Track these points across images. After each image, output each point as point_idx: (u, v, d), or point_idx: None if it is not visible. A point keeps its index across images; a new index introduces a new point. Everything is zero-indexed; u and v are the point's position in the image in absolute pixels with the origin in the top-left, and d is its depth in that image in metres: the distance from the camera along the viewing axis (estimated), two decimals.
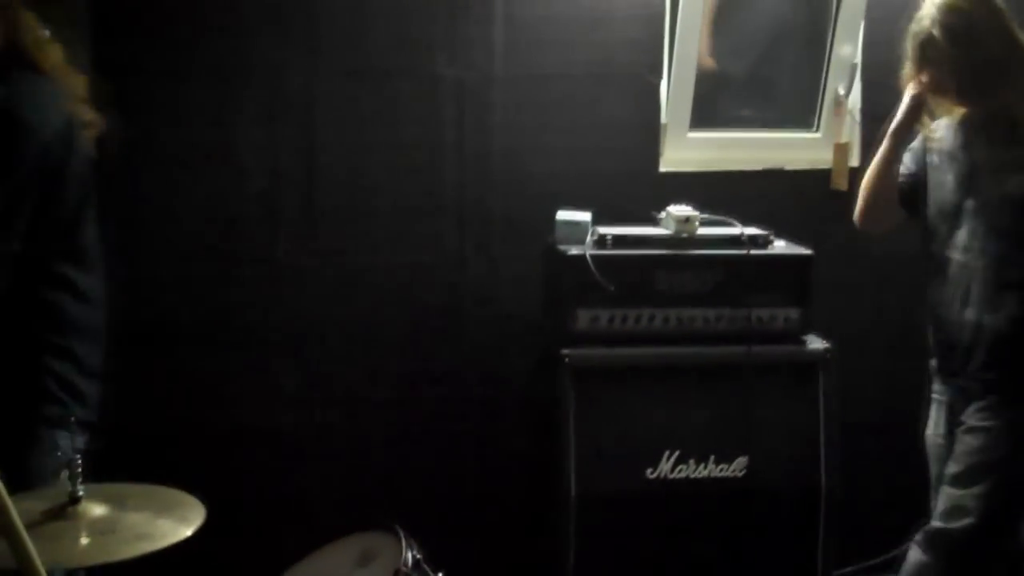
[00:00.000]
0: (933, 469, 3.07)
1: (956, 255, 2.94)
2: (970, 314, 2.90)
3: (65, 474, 2.11)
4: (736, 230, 3.45)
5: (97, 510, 2.10)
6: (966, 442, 2.91)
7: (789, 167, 3.93)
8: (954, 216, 2.95)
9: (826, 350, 3.39)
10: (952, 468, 2.92)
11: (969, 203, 2.92)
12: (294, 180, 3.63)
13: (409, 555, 1.81)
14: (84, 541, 2.01)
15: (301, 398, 3.62)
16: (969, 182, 2.93)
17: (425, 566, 1.80)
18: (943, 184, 2.99)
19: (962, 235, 2.92)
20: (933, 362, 3.08)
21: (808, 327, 3.45)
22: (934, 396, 3.08)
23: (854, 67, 3.93)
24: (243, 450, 3.46)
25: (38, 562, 1.59)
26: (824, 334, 3.45)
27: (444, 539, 2.50)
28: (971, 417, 2.91)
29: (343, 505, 3.40)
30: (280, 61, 3.56)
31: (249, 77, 3.54)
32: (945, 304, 2.97)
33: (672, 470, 3.34)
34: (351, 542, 2.09)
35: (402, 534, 1.90)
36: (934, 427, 3.08)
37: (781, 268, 3.44)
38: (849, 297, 3.85)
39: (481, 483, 3.77)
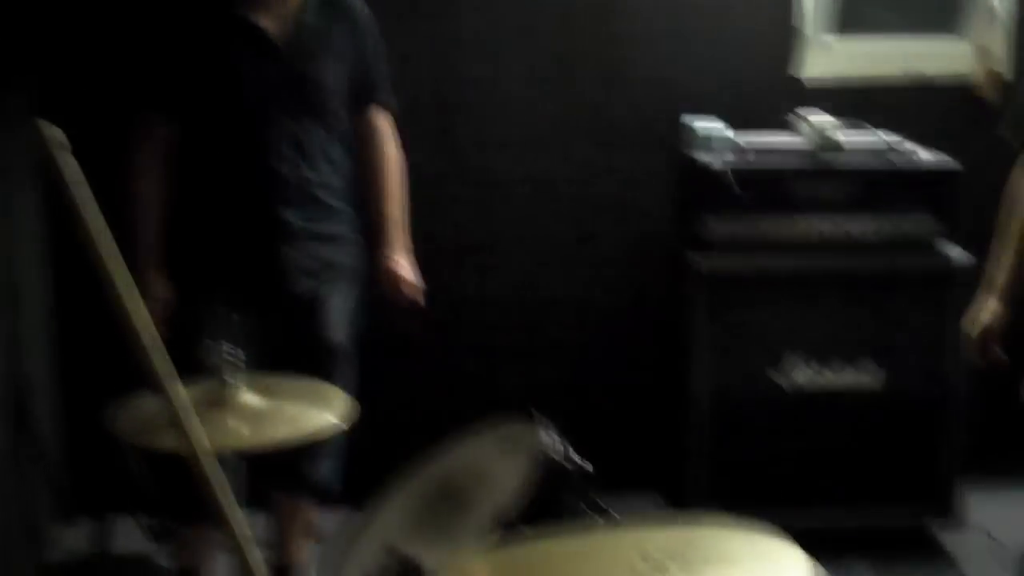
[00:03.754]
0: None
1: None
2: None
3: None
4: (878, 140, 3.38)
5: (251, 399, 2.21)
6: None
7: (932, 73, 3.80)
8: None
9: (963, 259, 3.33)
10: None
11: None
12: (429, 93, 3.65)
13: (554, 441, 1.86)
14: (242, 428, 2.13)
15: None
16: None
17: (570, 452, 1.85)
18: None
19: None
20: None
21: (949, 239, 3.38)
22: None
23: None
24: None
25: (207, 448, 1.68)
26: (965, 247, 3.37)
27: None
28: None
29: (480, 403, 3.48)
30: None
31: None
32: None
33: (801, 375, 3.35)
34: (491, 433, 2.16)
35: (541, 421, 1.95)
36: None
37: (924, 180, 3.37)
38: (992, 210, 3.74)
39: (612, 389, 3.80)
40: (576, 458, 1.85)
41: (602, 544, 1.15)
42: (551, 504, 1.52)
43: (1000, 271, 2.67)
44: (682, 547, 1.08)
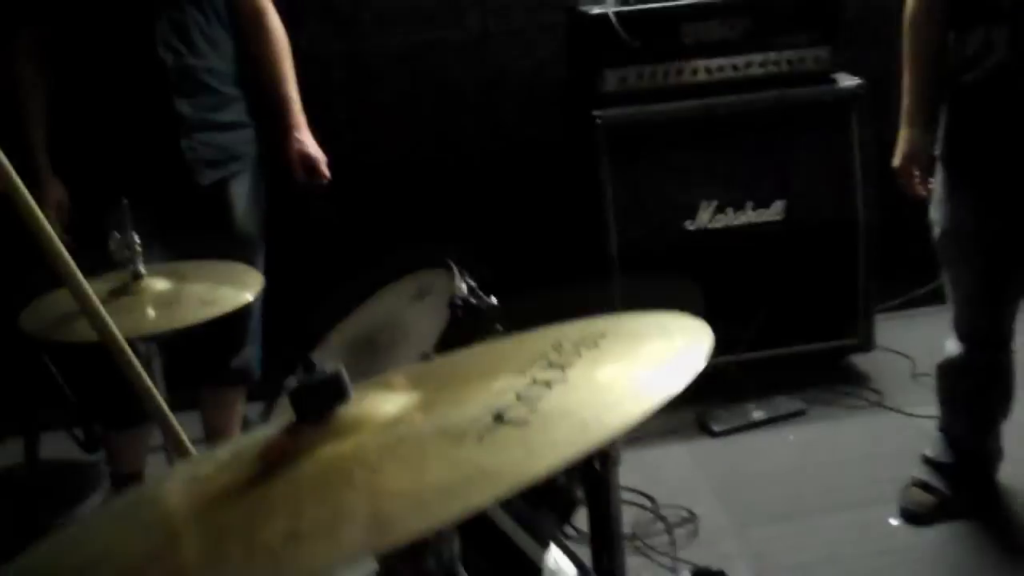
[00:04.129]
0: None
1: None
2: None
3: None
4: None
5: (159, 285, 2.19)
6: None
7: None
8: None
9: (858, 86, 3.38)
10: None
11: None
12: None
13: (463, 284, 1.88)
14: (151, 312, 2.11)
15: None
16: None
17: (479, 291, 1.87)
18: None
19: None
20: None
21: (839, 67, 3.43)
22: None
23: None
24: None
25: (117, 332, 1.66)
26: (855, 72, 3.42)
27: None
28: None
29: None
30: None
31: None
32: None
33: (711, 219, 3.40)
34: (405, 282, 2.17)
35: (455, 267, 1.97)
36: None
37: (809, 7, 3.39)
38: (879, 33, 3.79)
39: (523, 245, 3.80)
40: (484, 296, 1.87)
41: (518, 344, 1.17)
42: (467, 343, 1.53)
43: (908, 97, 2.71)
44: (595, 336, 1.10)
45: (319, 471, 0.95)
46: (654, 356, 1.07)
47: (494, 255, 3.64)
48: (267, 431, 1.06)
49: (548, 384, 1.00)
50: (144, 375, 1.71)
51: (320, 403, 1.02)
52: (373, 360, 1.94)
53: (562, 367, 1.03)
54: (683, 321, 1.13)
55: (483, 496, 0.85)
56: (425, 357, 1.71)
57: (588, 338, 1.10)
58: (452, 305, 1.83)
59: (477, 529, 1.41)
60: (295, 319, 2.98)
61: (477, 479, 0.87)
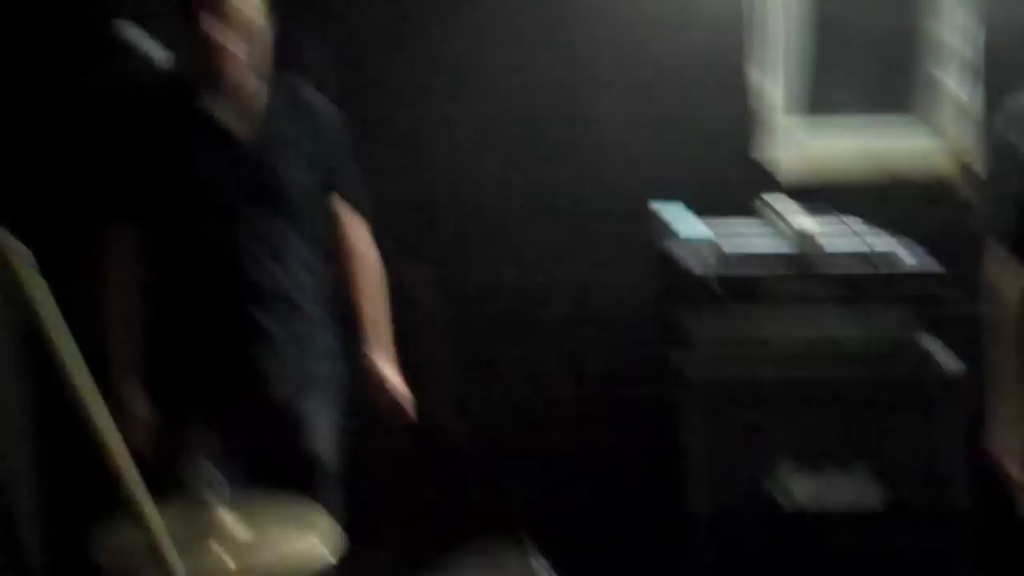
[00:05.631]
0: None
1: None
2: None
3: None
4: (861, 243, 3.36)
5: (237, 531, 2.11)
6: None
7: (896, 156, 3.81)
8: None
9: (957, 370, 3.30)
10: None
11: None
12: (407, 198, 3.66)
13: (537, 564, 1.80)
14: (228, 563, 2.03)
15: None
16: None
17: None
18: None
19: None
20: None
21: (938, 346, 3.36)
22: None
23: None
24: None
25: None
26: (956, 353, 3.33)
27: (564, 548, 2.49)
28: None
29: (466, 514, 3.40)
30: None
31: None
32: None
33: (795, 489, 3.28)
34: (476, 555, 2.09)
35: (527, 544, 1.89)
36: None
37: (910, 286, 3.34)
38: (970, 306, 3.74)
39: (595, 492, 3.75)
40: None
41: None
42: None
43: (1011, 380, 2.59)
44: None
45: None
46: None
47: (564, 513, 3.61)
48: None
49: None
50: None
51: None
52: None
53: None
54: None
55: None
56: None
57: None
58: None
59: None
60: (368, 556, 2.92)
61: None
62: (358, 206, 3.00)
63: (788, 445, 3.30)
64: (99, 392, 1.55)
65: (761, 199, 3.51)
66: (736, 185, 3.65)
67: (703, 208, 3.49)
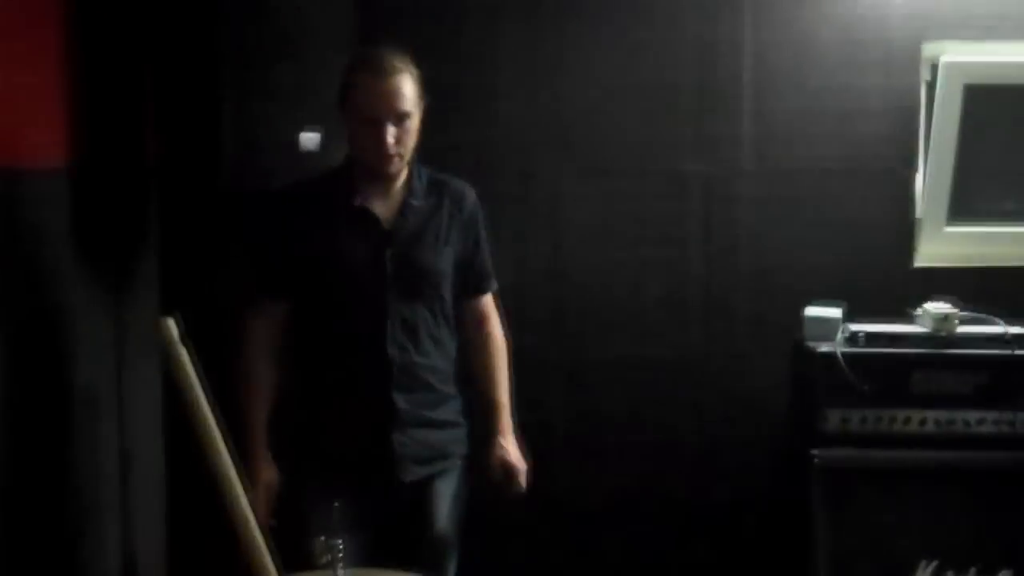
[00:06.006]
0: None
1: None
2: None
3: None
4: (999, 328, 3.29)
5: None
6: None
7: None
8: None
9: None
10: None
11: None
12: (541, 274, 3.71)
13: None
14: None
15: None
16: None
17: None
18: None
19: None
20: None
21: None
22: None
23: None
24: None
25: None
26: None
27: None
28: None
29: None
30: (529, 161, 3.69)
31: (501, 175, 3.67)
32: None
33: None
34: None
35: None
36: None
37: None
38: None
39: None
40: None
41: None
42: None
43: None
44: None
45: None
46: None
47: None
48: None
49: None
50: None
51: None
52: None
53: None
54: None
55: None
56: None
57: None
58: None
59: None
60: None
61: None
62: (491, 290, 3.08)
63: (924, 539, 3.21)
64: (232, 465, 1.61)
65: (915, 304, 3.45)
66: (892, 291, 3.59)
67: (859, 314, 3.44)
